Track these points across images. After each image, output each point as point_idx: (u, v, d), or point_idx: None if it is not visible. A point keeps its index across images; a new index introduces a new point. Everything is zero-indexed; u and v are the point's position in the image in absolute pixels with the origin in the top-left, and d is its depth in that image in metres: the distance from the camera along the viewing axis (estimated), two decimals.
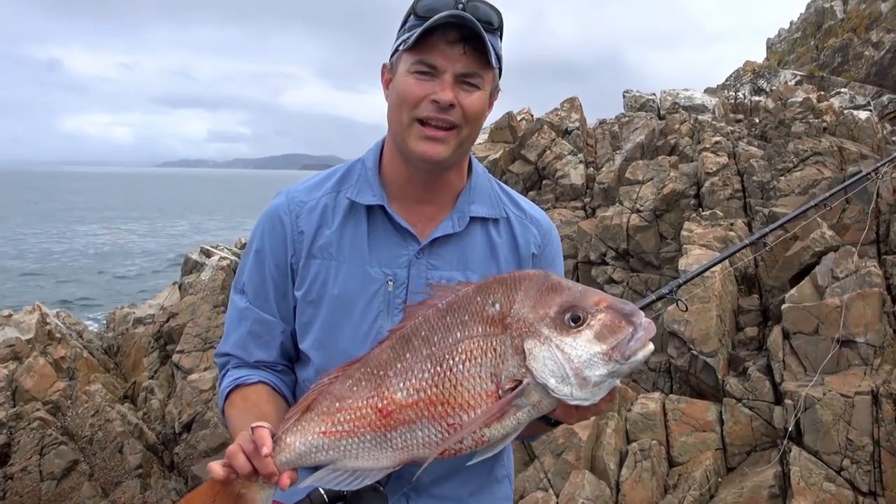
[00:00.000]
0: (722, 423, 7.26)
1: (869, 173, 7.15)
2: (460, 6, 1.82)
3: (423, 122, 1.86)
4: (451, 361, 1.60)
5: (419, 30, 1.80)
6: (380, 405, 1.62)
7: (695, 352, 7.59)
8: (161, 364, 11.35)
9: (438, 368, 1.60)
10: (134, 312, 13.33)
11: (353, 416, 1.64)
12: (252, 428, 1.65)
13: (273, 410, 1.91)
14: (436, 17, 1.79)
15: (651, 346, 1.53)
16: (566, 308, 1.56)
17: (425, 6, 1.84)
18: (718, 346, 7.60)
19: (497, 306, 1.61)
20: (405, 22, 1.91)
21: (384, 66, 2.00)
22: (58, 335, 11.32)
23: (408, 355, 1.64)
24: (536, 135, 12.67)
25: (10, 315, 11.45)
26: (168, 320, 11.60)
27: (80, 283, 38.20)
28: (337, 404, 1.66)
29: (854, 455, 6.41)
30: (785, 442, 6.70)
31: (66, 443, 9.58)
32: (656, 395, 7.65)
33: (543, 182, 12.40)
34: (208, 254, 13.55)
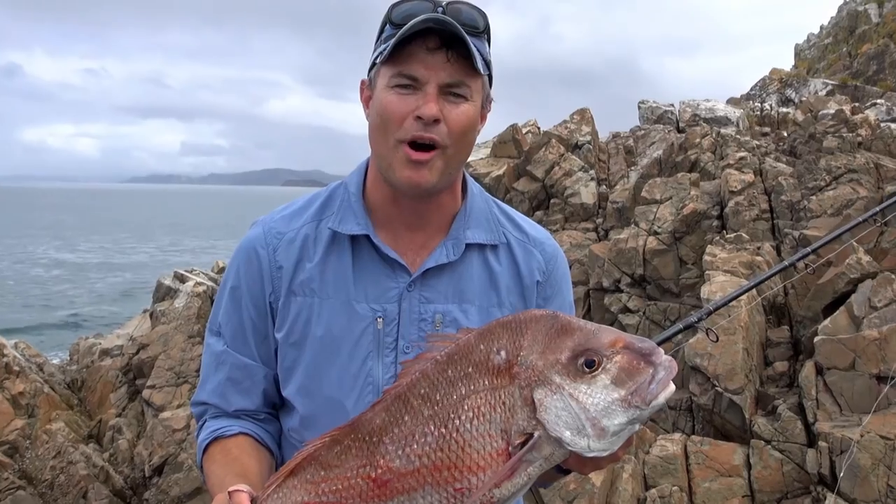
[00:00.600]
0: (749, 467, 7.25)
1: None
2: (440, 10, 1.78)
3: (409, 145, 1.81)
4: (457, 422, 1.55)
5: (395, 39, 1.76)
6: (373, 474, 1.57)
7: (719, 388, 7.60)
8: (130, 400, 11.33)
9: (443, 430, 1.55)
10: (100, 343, 13.29)
11: (341, 485, 1.60)
12: (230, 492, 1.62)
13: (256, 465, 1.88)
14: (412, 22, 1.74)
15: (672, 387, 1.49)
16: (579, 352, 1.51)
17: (401, 13, 1.80)
18: (745, 382, 7.62)
19: (503, 354, 1.56)
20: (381, 31, 1.86)
21: (363, 82, 1.96)
22: (16, 368, 11.28)
23: (406, 418, 1.59)
24: (544, 149, 12.73)
25: None
26: (138, 352, 11.60)
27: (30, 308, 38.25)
28: (323, 473, 1.62)
29: None
30: (819, 488, 6.71)
31: (25, 487, 9.56)
32: (677, 436, 7.65)
33: (552, 201, 12.46)
34: (183, 279, 13.54)
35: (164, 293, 13.47)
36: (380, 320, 1.90)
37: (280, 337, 1.95)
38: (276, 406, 2.05)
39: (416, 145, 1.80)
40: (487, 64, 1.87)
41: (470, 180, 2.07)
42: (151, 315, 13.11)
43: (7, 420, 10.31)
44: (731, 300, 3.60)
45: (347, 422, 1.66)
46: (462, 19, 1.78)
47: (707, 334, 2.93)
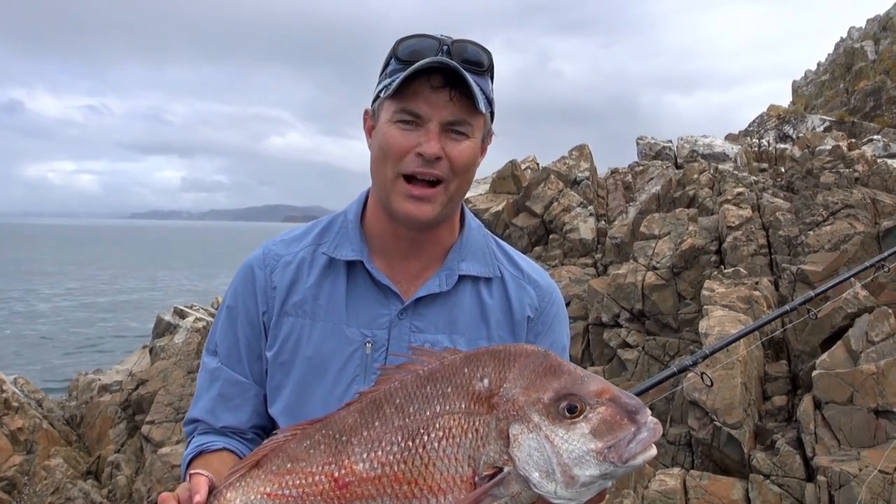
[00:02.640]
0: (749, 501, 7.24)
1: None
2: (445, 48, 1.82)
3: (408, 178, 1.85)
4: (425, 437, 1.53)
5: (401, 76, 1.79)
6: (336, 474, 1.56)
7: (718, 423, 7.61)
8: (129, 436, 11.32)
9: (410, 443, 1.53)
10: (99, 379, 13.30)
11: (304, 481, 1.58)
12: (189, 475, 1.65)
13: None
14: (418, 64, 1.78)
15: (653, 451, 1.46)
16: (563, 395, 1.49)
17: (407, 49, 1.84)
18: (744, 416, 7.63)
19: (486, 381, 1.55)
20: (386, 65, 1.90)
21: (366, 111, 2.00)
22: (15, 404, 11.29)
23: (377, 423, 1.59)
24: (543, 185, 12.81)
25: None
26: (137, 388, 11.59)
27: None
28: (289, 465, 1.60)
29: None
30: None
31: None
32: (676, 470, 7.64)
33: (550, 236, 12.52)
34: (182, 314, 13.58)
35: (163, 329, 13.49)
36: (369, 345, 1.93)
37: (270, 356, 1.98)
38: (265, 428, 2.05)
39: (416, 180, 1.84)
40: (490, 102, 1.90)
41: (469, 214, 2.10)
42: (151, 351, 13.12)
43: (6, 456, 10.31)
44: (728, 344, 3.63)
45: (320, 417, 1.66)
46: (467, 57, 1.82)
47: (702, 378, 2.93)
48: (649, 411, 1.49)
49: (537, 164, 14.37)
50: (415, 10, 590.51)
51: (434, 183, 1.85)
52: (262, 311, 2.00)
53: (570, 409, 1.47)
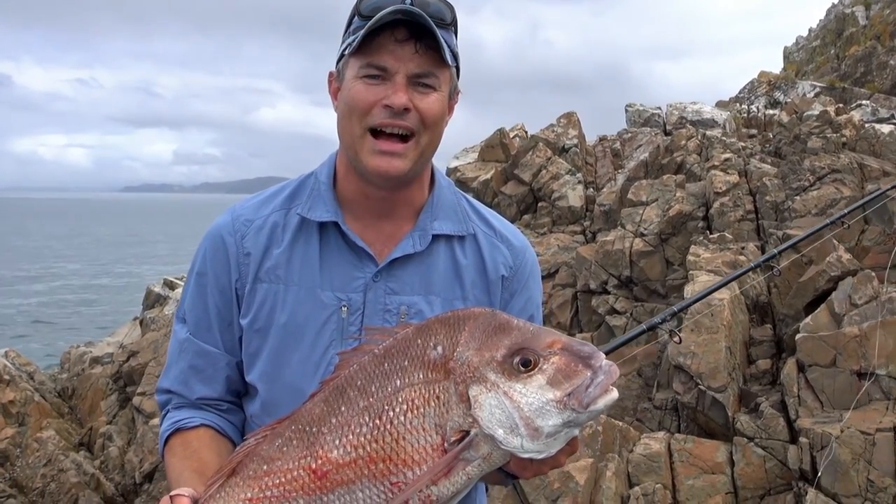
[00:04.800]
0: (733, 464, 7.32)
1: (887, 190, 7.32)
2: (408, 1, 1.81)
3: (375, 133, 1.85)
4: (390, 413, 1.56)
5: (364, 30, 1.79)
6: (314, 466, 1.59)
7: (702, 387, 7.68)
8: (120, 408, 11.37)
9: (377, 421, 1.56)
10: (91, 351, 13.33)
11: (283, 479, 1.61)
12: (171, 496, 1.65)
13: (215, 458, 1.89)
14: (381, 13, 1.78)
15: (615, 394, 1.50)
16: (515, 350, 1.53)
17: (370, 5, 1.82)
18: (728, 380, 7.69)
19: (439, 349, 1.58)
20: (349, 24, 1.89)
21: (330, 73, 2.00)
22: (6, 377, 11.34)
23: (343, 408, 1.61)
24: (531, 153, 12.80)
25: None
26: (128, 359, 11.63)
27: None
28: (265, 467, 1.64)
29: (875, 497, 6.48)
30: (800, 484, 6.79)
31: (15, 496, 9.60)
32: (661, 434, 7.72)
33: (539, 204, 12.52)
34: (171, 285, 13.60)
35: (153, 300, 13.53)
36: (344, 309, 1.93)
37: (245, 323, 1.98)
38: (240, 394, 2.07)
39: (385, 134, 1.85)
40: (455, 56, 1.91)
41: (438, 172, 2.11)
42: (141, 322, 13.16)
43: None
44: (697, 299, 3.67)
45: (287, 414, 1.69)
46: (430, 11, 1.82)
47: (670, 336, 2.96)
48: (603, 355, 1.53)
49: (526, 133, 14.35)
50: None
51: (404, 137, 1.86)
52: (234, 278, 1.99)
53: (524, 363, 1.51)
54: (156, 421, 9.94)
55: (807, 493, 6.67)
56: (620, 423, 7.77)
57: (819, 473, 6.67)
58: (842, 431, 6.68)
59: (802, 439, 6.88)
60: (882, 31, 20.34)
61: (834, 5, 24.73)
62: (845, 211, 5.37)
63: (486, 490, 2.29)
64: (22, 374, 11.99)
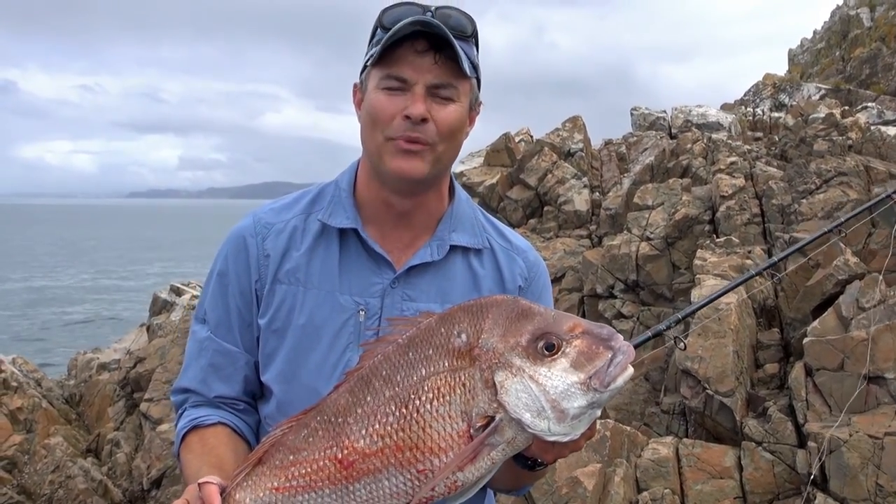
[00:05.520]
0: (741, 468, 7.30)
1: (891, 194, 7.30)
2: (428, 14, 1.85)
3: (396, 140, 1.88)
4: (416, 402, 1.58)
5: (384, 41, 1.83)
6: (339, 455, 1.61)
7: (710, 391, 7.66)
8: (128, 414, 11.37)
9: (404, 410, 1.58)
10: (98, 357, 13.36)
11: (309, 469, 1.63)
12: (199, 484, 1.67)
13: (232, 455, 1.92)
14: (400, 24, 1.81)
15: (631, 370, 1.54)
16: (539, 335, 1.56)
17: (392, 17, 1.86)
18: (736, 384, 7.67)
19: (463, 336, 1.60)
20: (373, 36, 1.93)
21: (355, 85, 2.03)
22: (14, 384, 11.33)
23: (368, 398, 1.62)
24: (536, 157, 12.81)
25: None
26: (135, 366, 11.64)
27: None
28: (291, 457, 1.65)
29: (885, 502, 6.45)
30: (809, 488, 6.76)
31: (24, 502, 9.60)
32: (669, 439, 7.70)
33: (545, 209, 12.52)
34: (179, 292, 13.61)
35: (160, 307, 13.53)
36: (362, 313, 1.96)
37: (263, 323, 2.01)
38: (255, 396, 2.10)
39: (403, 141, 1.87)
40: (475, 67, 1.94)
41: (457, 186, 2.14)
42: (148, 329, 13.16)
43: (5, 435, 10.37)
44: (703, 305, 3.65)
45: (313, 405, 1.71)
46: (450, 24, 1.86)
47: (675, 343, 2.96)
48: (621, 336, 1.58)
49: (531, 137, 14.36)
50: None
51: (422, 144, 1.89)
52: (254, 279, 2.03)
53: (548, 347, 1.55)
54: (163, 427, 9.95)
55: (816, 497, 6.64)
56: (628, 428, 7.75)
57: (828, 477, 6.65)
58: (850, 436, 6.66)
59: (811, 443, 6.85)
60: (887, 33, 20.32)
61: (838, 7, 24.72)
62: (849, 215, 5.33)
63: (495, 496, 2.31)
64: (29, 380, 12.00)
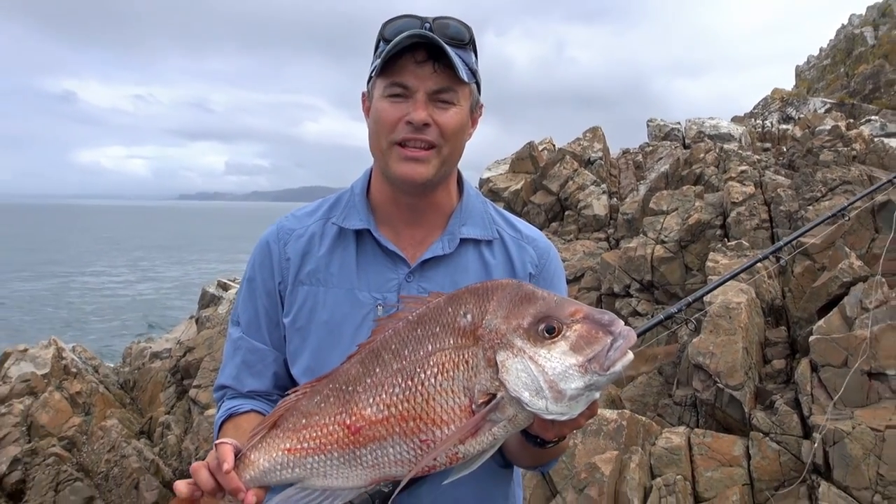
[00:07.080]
0: (749, 457, 7.25)
1: (891, 179, 7.23)
2: (427, 25, 1.87)
3: (402, 145, 1.90)
4: (422, 375, 1.58)
5: (385, 53, 1.85)
6: (348, 421, 1.61)
7: (720, 385, 7.61)
8: (178, 399, 11.47)
9: (409, 382, 1.59)
10: (150, 347, 13.47)
11: (319, 432, 1.64)
12: (216, 444, 1.69)
13: None
14: (399, 38, 1.83)
15: (630, 356, 1.51)
16: (540, 318, 1.55)
17: (392, 30, 1.88)
18: (745, 378, 7.63)
19: (468, 317, 1.60)
20: (377, 48, 1.95)
21: (363, 94, 2.04)
22: (73, 370, 11.46)
23: (377, 370, 1.63)
24: (558, 165, 12.79)
25: (25, 350, 11.63)
26: (185, 355, 11.73)
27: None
28: (303, 421, 1.66)
29: (885, 491, 6.40)
30: (813, 477, 6.71)
31: (82, 479, 9.70)
32: (681, 429, 7.66)
33: (566, 213, 12.50)
34: (225, 287, 13.71)
35: (208, 300, 13.63)
36: (380, 307, 1.98)
37: (287, 322, 2.04)
38: (285, 389, 2.06)
39: (408, 146, 1.90)
40: (473, 73, 1.96)
41: (466, 182, 2.15)
42: (197, 321, 13.26)
43: (66, 417, 10.48)
44: (710, 290, 3.65)
45: (325, 373, 1.71)
46: (448, 33, 1.88)
47: (686, 325, 2.96)
48: (621, 322, 1.54)
49: (553, 146, 14.34)
50: (440, 2, 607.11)
51: (427, 148, 1.90)
52: (277, 281, 2.06)
53: (548, 330, 1.53)
54: (211, 411, 10.02)
55: (819, 485, 6.59)
56: (643, 419, 7.72)
57: (832, 467, 6.60)
58: (853, 428, 6.60)
59: (815, 435, 6.80)
60: (889, 51, 20.11)
61: (843, 26, 24.51)
62: (853, 200, 5.30)
63: (523, 476, 2.31)
64: (88, 367, 12.12)
